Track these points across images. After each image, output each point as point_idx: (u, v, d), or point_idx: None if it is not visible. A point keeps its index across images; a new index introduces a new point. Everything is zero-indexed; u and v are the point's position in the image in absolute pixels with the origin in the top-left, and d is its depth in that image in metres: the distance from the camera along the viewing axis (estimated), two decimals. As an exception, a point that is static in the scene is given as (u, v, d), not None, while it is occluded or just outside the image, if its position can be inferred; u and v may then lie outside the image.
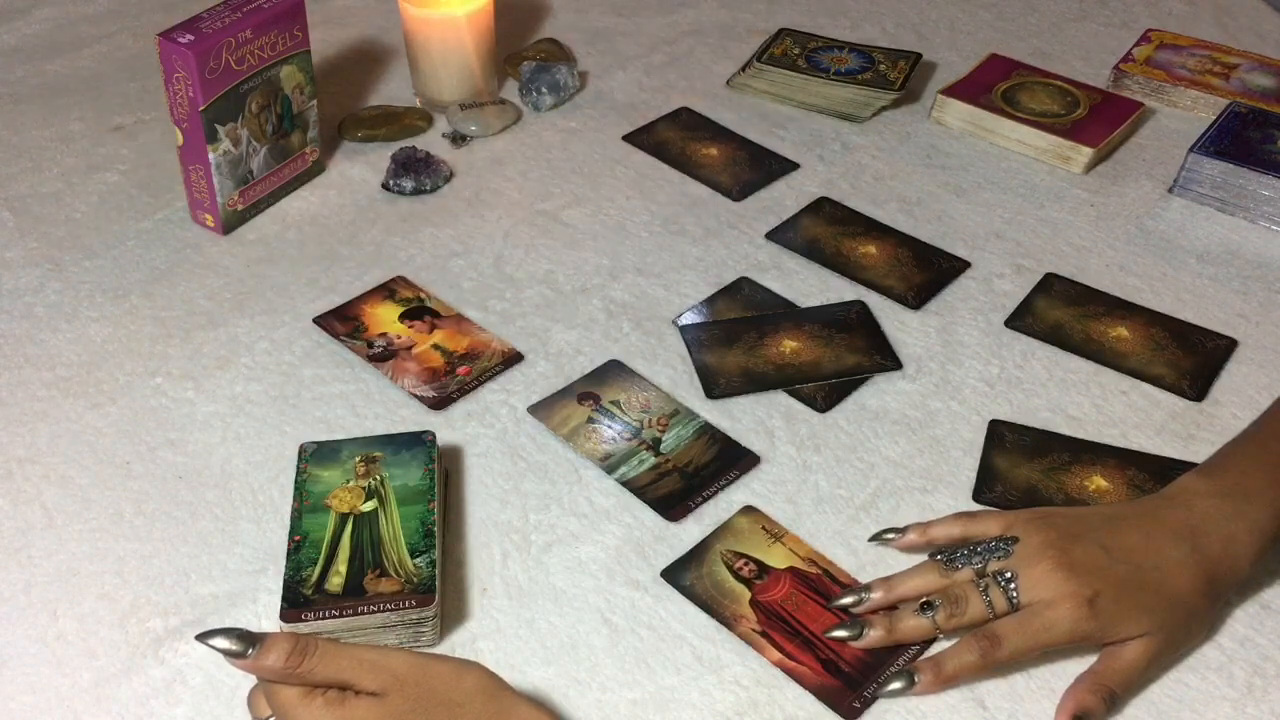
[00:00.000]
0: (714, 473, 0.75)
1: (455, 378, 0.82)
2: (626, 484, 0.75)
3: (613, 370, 0.82)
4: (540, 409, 0.80)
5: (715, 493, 0.74)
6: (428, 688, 0.53)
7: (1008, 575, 0.64)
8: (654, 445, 0.77)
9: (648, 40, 1.21)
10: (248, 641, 0.51)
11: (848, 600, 0.67)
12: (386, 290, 0.89)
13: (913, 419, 0.80)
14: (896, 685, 0.63)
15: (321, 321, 0.86)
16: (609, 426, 0.78)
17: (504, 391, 0.81)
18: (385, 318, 0.86)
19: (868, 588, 0.67)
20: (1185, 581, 0.64)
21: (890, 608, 0.66)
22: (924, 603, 0.65)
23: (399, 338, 0.84)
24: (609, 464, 0.76)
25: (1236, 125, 1.02)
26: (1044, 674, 0.65)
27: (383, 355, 0.83)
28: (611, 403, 0.80)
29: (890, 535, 0.70)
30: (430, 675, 0.53)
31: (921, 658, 0.64)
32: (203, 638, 0.52)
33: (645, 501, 0.73)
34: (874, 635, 0.65)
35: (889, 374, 0.83)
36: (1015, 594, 0.63)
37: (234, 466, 0.76)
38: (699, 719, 0.62)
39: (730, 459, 0.76)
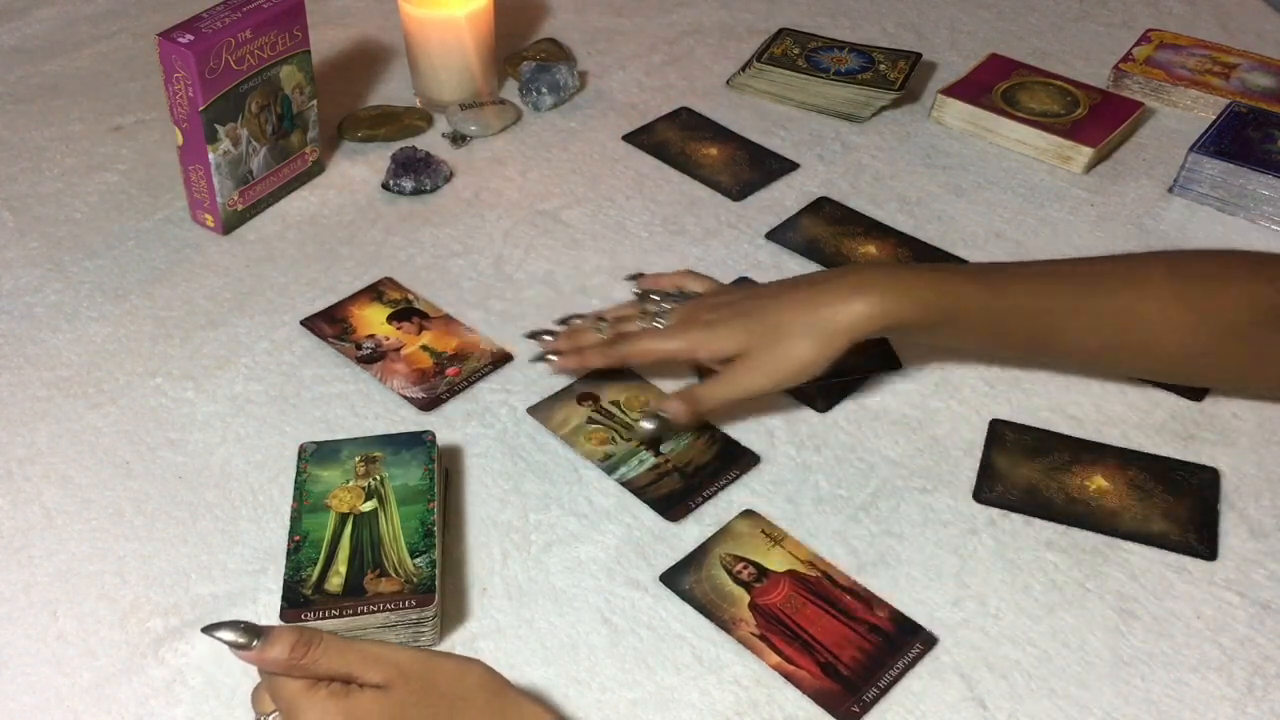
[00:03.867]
0: (714, 473, 0.75)
1: (444, 379, 0.81)
2: (626, 484, 0.75)
3: (612, 371, 0.82)
4: (540, 409, 0.80)
5: (715, 493, 0.74)
6: (431, 682, 0.53)
7: (666, 310, 0.78)
8: (654, 445, 0.77)
9: (648, 40, 1.21)
10: (253, 634, 0.52)
11: (575, 320, 0.82)
12: (374, 292, 0.89)
13: (913, 419, 0.80)
14: (547, 359, 0.79)
15: (309, 324, 0.86)
16: (608, 427, 0.78)
17: (504, 391, 0.81)
18: (373, 319, 0.86)
19: (582, 316, 0.82)
20: (788, 314, 0.72)
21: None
22: (598, 317, 0.80)
23: (387, 339, 0.84)
24: (609, 464, 0.76)
25: (1236, 125, 1.02)
26: (1044, 673, 0.65)
27: (371, 357, 0.83)
28: (611, 403, 0.80)
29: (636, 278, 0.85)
30: (434, 670, 0.54)
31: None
32: (209, 630, 0.52)
33: (645, 501, 0.74)
34: (560, 341, 0.80)
35: (889, 374, 0.83)
36: (660, 323, 0.77)
37: (234, 466, 0.76)
38: (699, 719, 0.62)
39: (730, 459, 0.76)
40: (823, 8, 1.26)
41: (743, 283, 0.90)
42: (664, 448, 0.77)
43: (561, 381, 0.82)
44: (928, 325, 0.72)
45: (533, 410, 0.79)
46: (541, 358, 0.80)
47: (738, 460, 0.76)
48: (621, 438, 0.77)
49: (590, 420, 0.78)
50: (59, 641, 0.65)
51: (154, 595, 0.68)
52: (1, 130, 1.06)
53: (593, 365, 0.79)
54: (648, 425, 0.74)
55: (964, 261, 0.93)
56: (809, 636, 0.66)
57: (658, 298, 0.81)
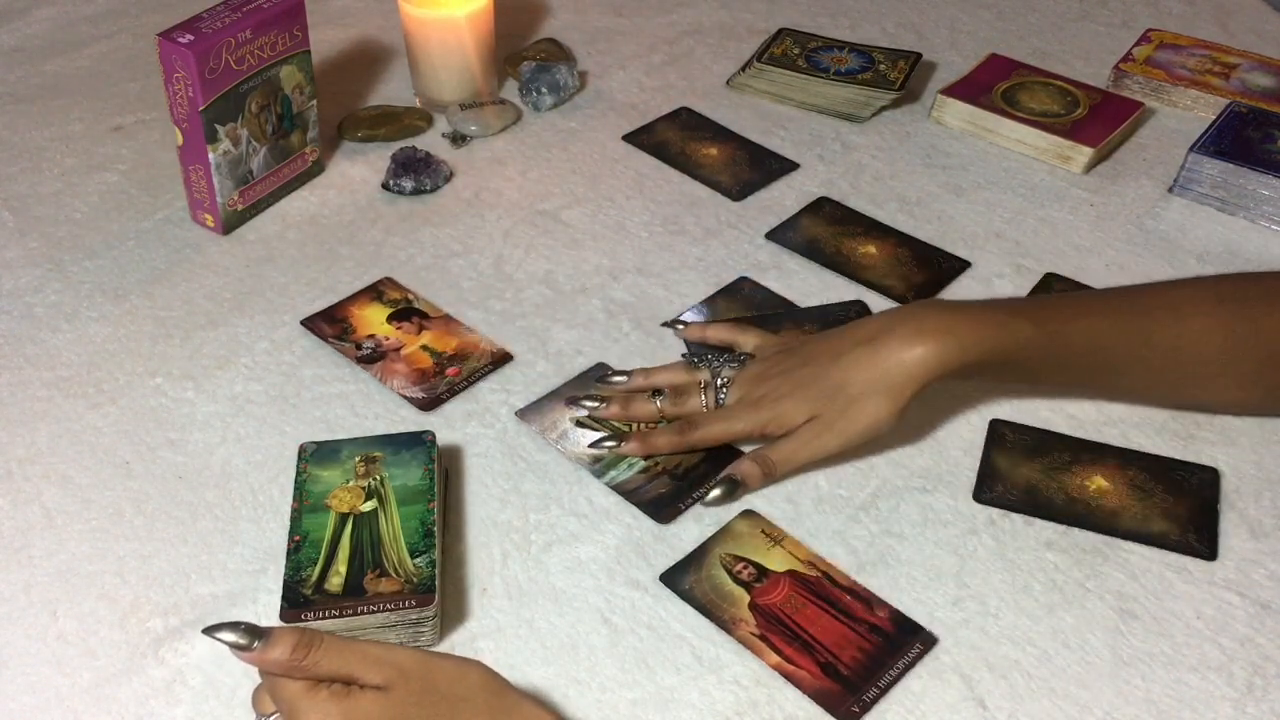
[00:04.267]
0: (703, 475, 0.75)
1: (444, 379, 0.81)
2: (616, 487, 0.74)
3: (602, 373, 0.82)
4: (529, 413, 0.79)
5: (705, 495, 0.74)
6: (431, 682, 0.53)
7: (726, 381, 0.76)
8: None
9: (648, 40, 1.21)
10: (254, 635, 0.52)
11: (618, 379, 0.79)
12: (374, 291, 0.89)
13: (912, 419, 0.80)
14: (607, 446, 0.75)
15: (309, 324, 0.86)
16: (598, 430, 0.78)
17: (504, 391, 0.81)
18: (373, 319, 0.86)
19: (629, 373, 0.79)
20: (851, 373, 0.72)
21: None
22: (655, 390, 0.77)
23: (387, 339, 0.84)
24: (599, 467, 0.76)
25: (1236, 125, 1.02)
26: (1044, 673, 0.65)
27: (371, 357, 0.83)
28: (605, 404, 0.80)
29: (679, 326, 0.84)
30: (434, 670, 0.54)
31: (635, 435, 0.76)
32: (210, 631, 0.52)
33: (635, 504, 0.73)
34: (612, 410, 0.77)
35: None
36: (723, 398, 0.76)
37: (234, 466, 0.76)
38: (699, 719, 0.62)
39: (720, 461, 0.76)
40: (823, 8, 1.26)
41: (743, 283, 0.90)
42: None
43: (555, 383, 0.82)
44: (987, 367, 0.72)
45: (521, 414, 0.79)
46: (601, 443, 0.76)
47: (729, 462, 0.76)
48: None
49: (580, 424, 0.78)
50: (59, 641, 0.65)
51: (154, 595, 0.68)
52: (1, 130, 1.06)
53: (661, 452, 0.76)
54: (717, 493, 0.72)
55: (967, 264, 0.93)
56: (809, 636, 0.66)
57: (710, 357, 0.78)
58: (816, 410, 0.73)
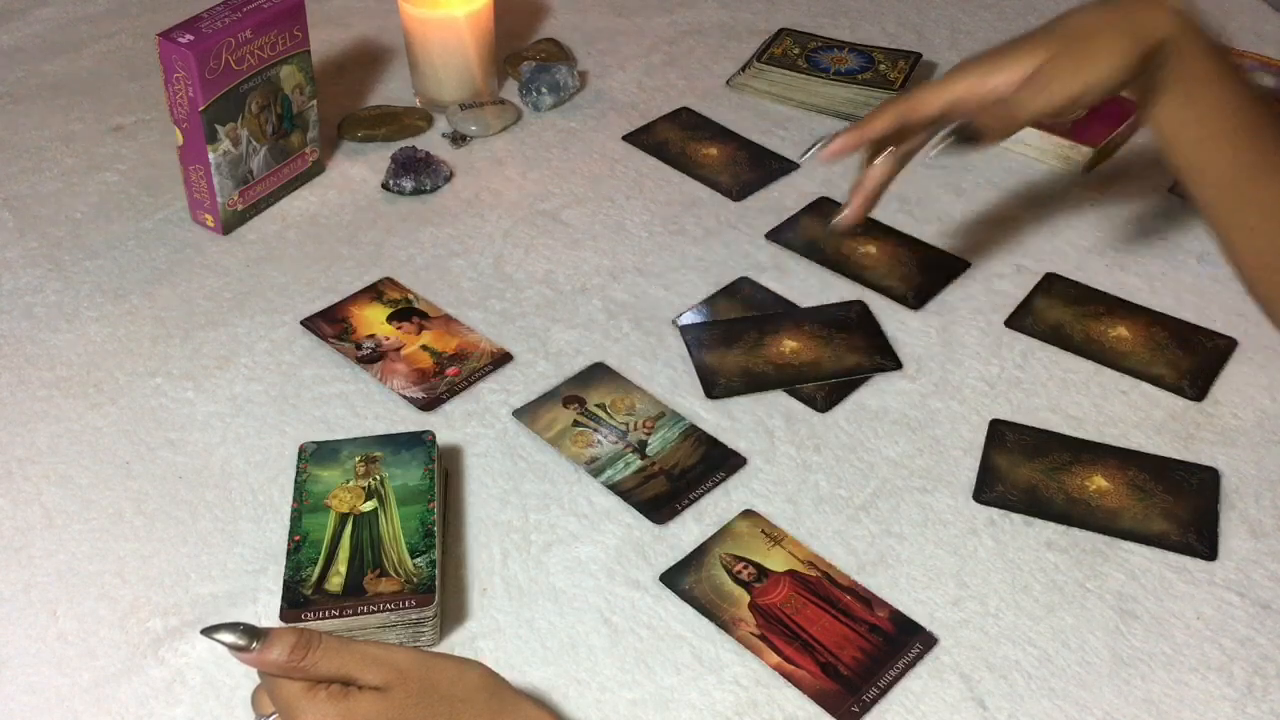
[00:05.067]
0: (700, 475, 0.75)
1: (444, 379, 0.81)
2: (613, 487, 0.74)
3: (598, 373, 0.82)
4: (526, 413, 0.79)
5: (701, 495, 0.74)
6: (430, 683, 0.53)
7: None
8: (640, 448, 0.77)
9: (648, 40, 1.21)
10: (252, 635, 0.52)
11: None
12: (374, 291, 0.89)
13: (913, 419, 0.80)
14: (817, 147, 0.74)
15: (309, 324, 0.86)
16: (594, 430, 0.78)
17: (504, 392, 0.81)
18: (373, 319, 0.86)
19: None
20: (1090, 17, 0.68)
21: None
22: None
23: (387, 339, 0.84)
24: (595, 467, 0.75)
25: (1237, 125, 1.02)
26: (1044, 673, 0.65)
27: (371, 357, 0.83)
28: (597, 406, 0.80)
29: (819, 146, 0.76)
30: (433, 671, 0.54)
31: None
32: (208, 631, 0.52)
33: (631, 504, 0.73)
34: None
35: (889, 374, 0.83)
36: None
37: (234, 466, 0.76)
38: (699, 719, 0.62)
39: (717, 461, 0.76)
40: (823, 8, 1.26)
41: (743, 283, 0.90)
42: (649, 450, 0.77)
43: (548, 384, 0.81)
44: (1201, 74, 0.68)
45: (518, 414, 0.79)
46: (811, 149, 0.74)
47: (724, 462, 0.76)
48: (608, 440, 0.77)
49: (576, 423, 0.78)
50: (59, 641, 0.65)
51: (154, 595, 0.68)
52: (1, 130, 1.06)
53: (877, 133, 0.72)
54: (949, 140, 0.69)
55: (967, 264, 0.93)
56: (809, 636, 0.66)
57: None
58: (1051, 52, 0.67)
